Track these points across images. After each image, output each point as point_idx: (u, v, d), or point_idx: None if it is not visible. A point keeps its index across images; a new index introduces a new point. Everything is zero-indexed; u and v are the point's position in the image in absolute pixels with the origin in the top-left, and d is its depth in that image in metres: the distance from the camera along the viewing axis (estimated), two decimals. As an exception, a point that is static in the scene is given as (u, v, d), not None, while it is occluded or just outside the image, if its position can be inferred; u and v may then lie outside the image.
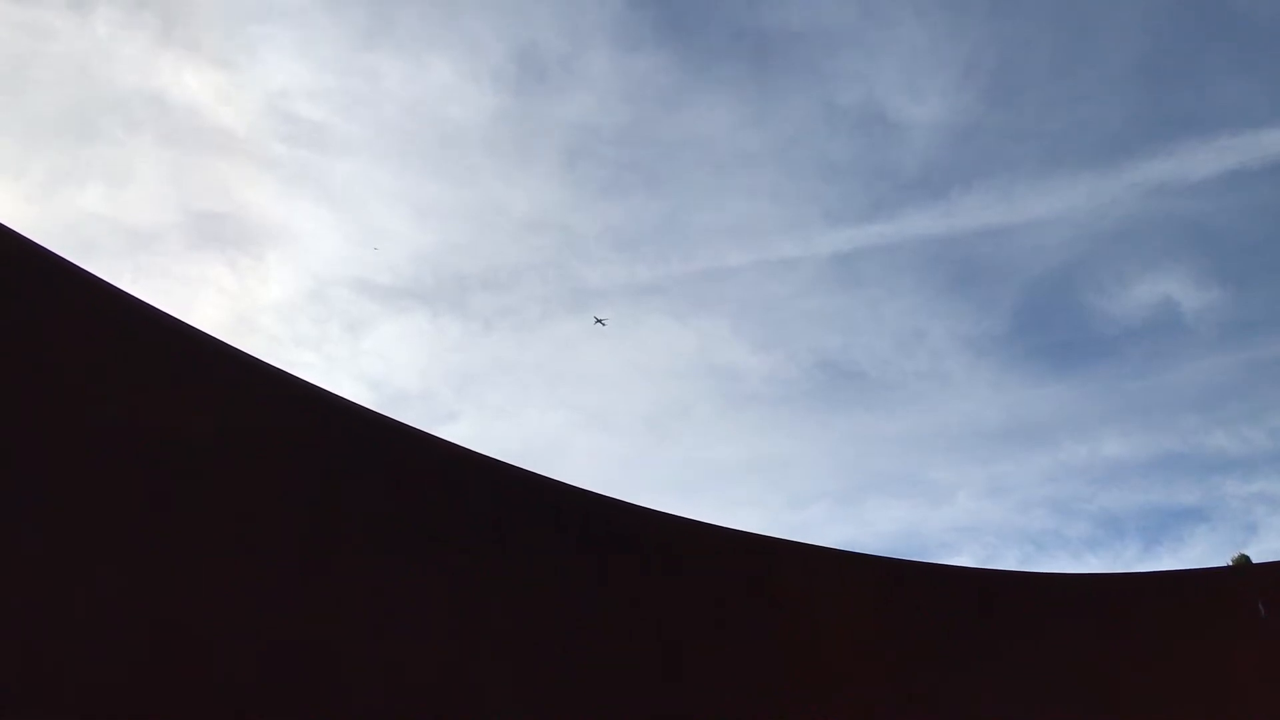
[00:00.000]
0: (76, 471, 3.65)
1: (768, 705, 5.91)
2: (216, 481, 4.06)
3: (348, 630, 4.34)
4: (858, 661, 6.41)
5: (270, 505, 4.24)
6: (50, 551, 3.51)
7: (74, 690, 3.43)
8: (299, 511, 4.33)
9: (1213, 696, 8.11)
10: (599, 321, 45.42)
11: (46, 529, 3.51)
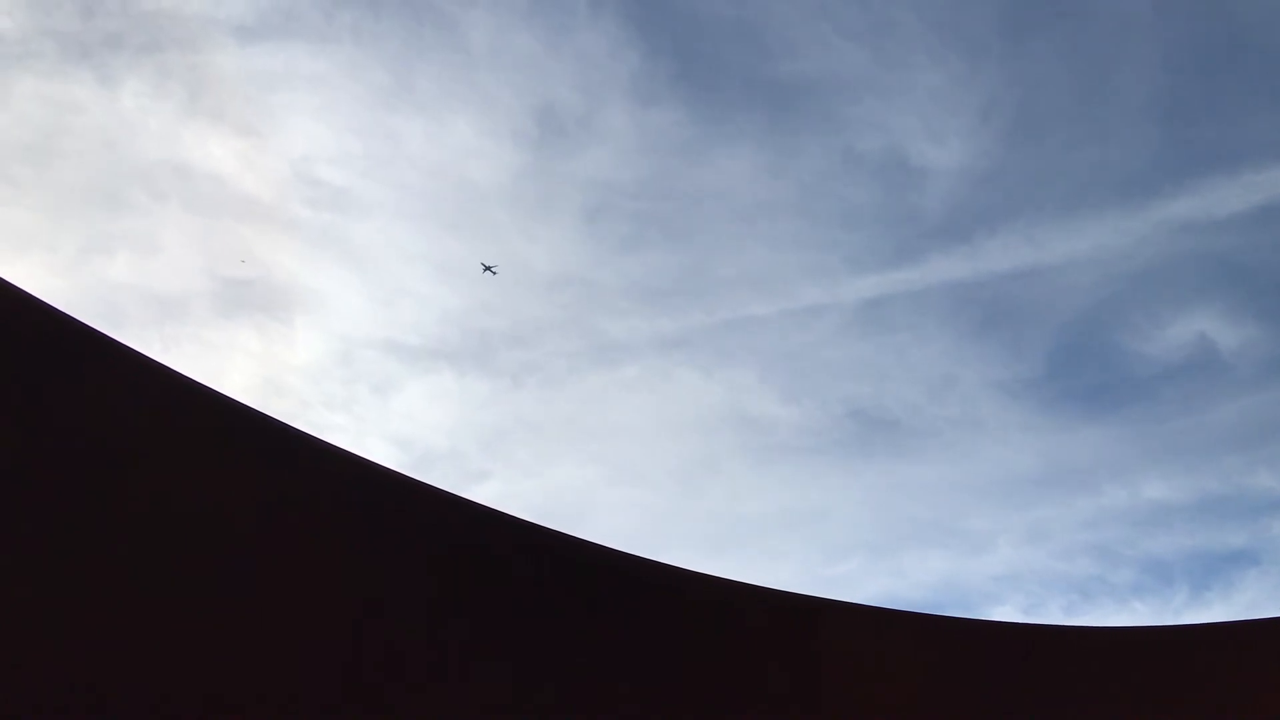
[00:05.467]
0: (111, 544, 3.62)
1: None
2: (248, 552, 4.02)
3: (388, 697, 4.25)
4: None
5: (303, 575, 4.18)
6: (79, 623, 3.46)
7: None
8: (332, 582, 4.26)
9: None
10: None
11: (76, 601, 3.47)
